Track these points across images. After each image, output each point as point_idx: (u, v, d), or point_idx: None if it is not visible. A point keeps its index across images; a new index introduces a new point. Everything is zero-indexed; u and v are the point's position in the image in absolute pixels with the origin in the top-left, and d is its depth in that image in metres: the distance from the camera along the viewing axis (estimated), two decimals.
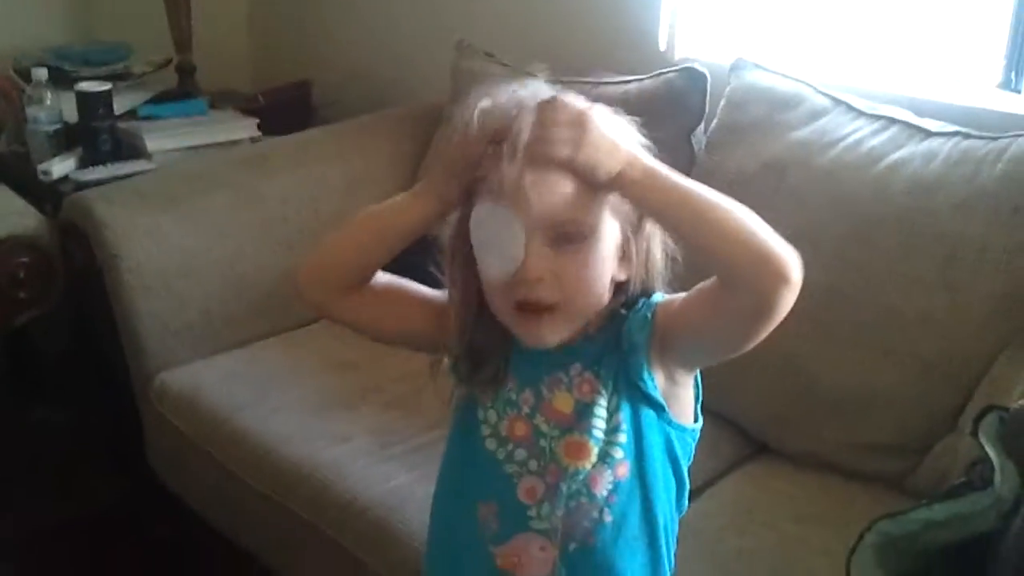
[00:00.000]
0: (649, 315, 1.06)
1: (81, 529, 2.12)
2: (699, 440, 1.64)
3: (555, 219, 0.99)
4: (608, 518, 1.07)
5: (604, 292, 1.05)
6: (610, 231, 1.04)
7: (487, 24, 2.40)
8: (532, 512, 1.08)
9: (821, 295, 1.60)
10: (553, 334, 1.03)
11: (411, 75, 2.59)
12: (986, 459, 1.12)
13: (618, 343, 1.06)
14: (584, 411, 1.06)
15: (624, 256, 1.06)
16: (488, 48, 2.19)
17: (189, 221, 2.04)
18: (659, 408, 1.08)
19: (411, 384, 1.84)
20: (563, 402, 1.07)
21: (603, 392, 1.06)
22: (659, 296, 1.08)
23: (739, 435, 1.72)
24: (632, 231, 1.05)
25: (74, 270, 2.06)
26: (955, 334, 1.51)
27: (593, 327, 1.08)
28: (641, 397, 1.06)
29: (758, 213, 1.66)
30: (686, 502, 1.18)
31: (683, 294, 1.06)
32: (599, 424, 1.06)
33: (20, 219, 2.00)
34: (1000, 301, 1.48)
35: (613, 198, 1.02)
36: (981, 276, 1.49)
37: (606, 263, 1.04)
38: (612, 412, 1.06)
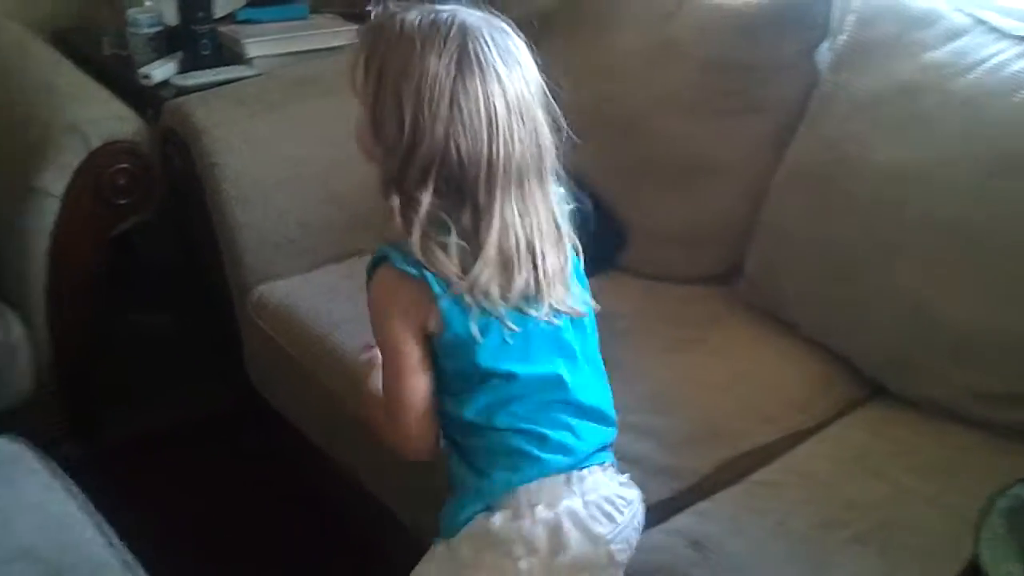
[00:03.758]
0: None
1: (178, 438, 2.15)
2: (809, 380, 1.60)
3: None
4: None
5: None
6: None
7: None
8: None
9: (951, 231, 1.51)
10: None
11: None
12: None
13: None
14: None
15: None
16: None
17: (289, 130, 2.01)
18: None
19: None
20: None
21: None
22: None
23: (854, 376, 1.64)
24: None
25: (174, 177, 2.05)
26: None
27: None
28: None
29: (885, 139, 1.59)
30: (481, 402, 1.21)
31: None
32: None
33: (121, 124, 1.98)
34: None
35: None
36: None
37: None
38: None
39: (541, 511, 1.20)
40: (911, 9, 1.68)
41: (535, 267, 1.18)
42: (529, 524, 1.19)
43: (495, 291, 1.16)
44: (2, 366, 1.81)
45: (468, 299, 1.15)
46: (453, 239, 1.15)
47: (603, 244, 1.92)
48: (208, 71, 2.28)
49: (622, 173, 1.94)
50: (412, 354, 1.20)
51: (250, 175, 1.96)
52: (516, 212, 1.16)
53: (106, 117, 1.97)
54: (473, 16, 1.17)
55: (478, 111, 1.12)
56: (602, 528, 1.21)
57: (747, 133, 1.84)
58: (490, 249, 1.15)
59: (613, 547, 1.22)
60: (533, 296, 1.19)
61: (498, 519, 1.21)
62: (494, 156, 1.13)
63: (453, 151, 1.12)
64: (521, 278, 1.17)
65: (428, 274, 1.15)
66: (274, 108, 2.02)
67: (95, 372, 2.04)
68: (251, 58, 2.30)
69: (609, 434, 1.28)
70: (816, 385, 1.62)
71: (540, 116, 1.18)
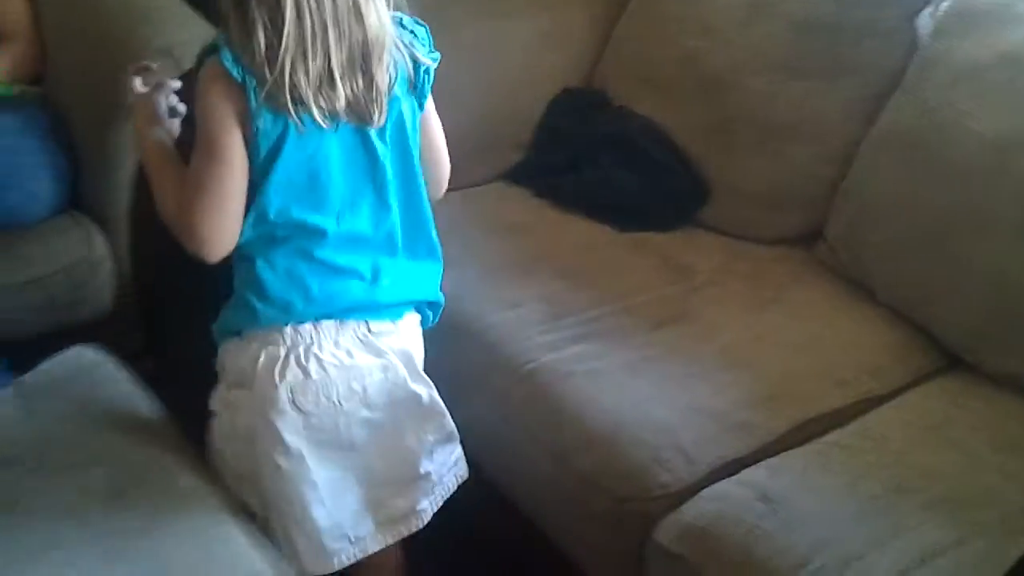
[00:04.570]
0: None
1: None
2: (885, 346, 1.56)
3: None
4: None
5: None
6: None
7: None
8: None
9: None
10: None
11: None
12: None
13: None
14: None
15: None
16: None
17: None
18: None
19: (583, 255, 1.80)
20: None
21: None
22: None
23: (930, 345, 1.62)
24: None
25: None
26: None
27: None
28: None
29: (986, 107, 1.55)
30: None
31: None
32: None
33: None
34: None
35: None
36: None
37: None
38: None
39: (244, 359, 1.31)
40: None
41: (329, 58, 1.19)
42: (242, 365, 1.32)
43: (301, 79, 1.18)
44: (84, 280, 1.84)
45: (278, 102, 1.19)
46: (260, 35, 1.17)
47: (682, 199, 1.91)
48: None
49: (707, 130, 1.92)
50: (233, 147, 1.22)
51: None
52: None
53: (199, 41, 1.98)
54: None
55: None
56: (287, 381, 1.29)
57: (837, 96, 1.81)
58: (288, 35, 1.16)
59: (309, 406, 1.30)
60: (328, 88, 1.20)
61: (222, 352, 1.36)
62: None
63: None
64: (317, 65, 1.18)
65: (249, 81, 1.18)
66: None
67: (174, 290, 2.07)
68: None
69: (381, 291, 1.33)
70: (891, 352, 1.61)
71: None
